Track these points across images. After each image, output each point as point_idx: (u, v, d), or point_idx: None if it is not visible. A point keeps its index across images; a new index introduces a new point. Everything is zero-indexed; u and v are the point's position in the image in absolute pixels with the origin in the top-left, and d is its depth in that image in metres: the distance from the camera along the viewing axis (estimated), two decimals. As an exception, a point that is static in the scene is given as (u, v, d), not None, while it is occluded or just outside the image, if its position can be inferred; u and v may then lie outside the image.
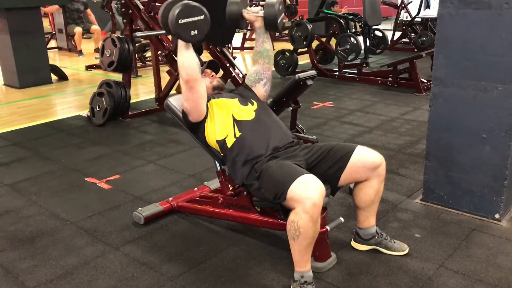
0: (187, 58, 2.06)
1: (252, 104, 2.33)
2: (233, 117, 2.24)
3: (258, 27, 2.42)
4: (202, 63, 2.75)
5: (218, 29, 3.89)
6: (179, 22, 1.89)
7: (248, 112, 2.27)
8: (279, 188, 1.93)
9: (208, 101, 2.28)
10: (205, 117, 2.26)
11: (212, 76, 2.48)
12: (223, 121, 2.24)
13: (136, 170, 3.45)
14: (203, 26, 1.94)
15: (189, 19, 1.90)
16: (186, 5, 1.91)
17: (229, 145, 2.20)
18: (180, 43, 2.06)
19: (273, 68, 2.52)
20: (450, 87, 2.53)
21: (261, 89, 2.46)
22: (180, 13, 1.89)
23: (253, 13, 2.38)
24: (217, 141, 2.23)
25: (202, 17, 1.92)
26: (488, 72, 2.39)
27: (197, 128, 2.30)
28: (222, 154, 2.26)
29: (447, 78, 2.54)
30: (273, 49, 9.00)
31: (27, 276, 2.20)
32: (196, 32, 1.93)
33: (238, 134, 2.19)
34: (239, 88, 2.48)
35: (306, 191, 1.84)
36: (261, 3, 2.41)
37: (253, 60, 2.50)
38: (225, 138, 2.21)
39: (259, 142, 2.18)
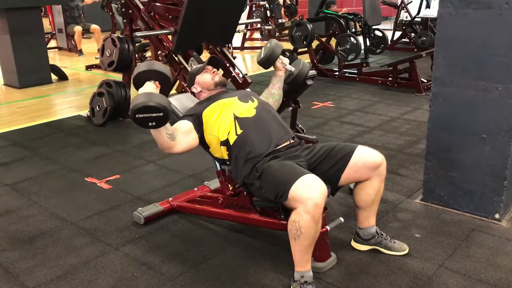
0: (155, 137, 2.08)
1: (253, 101, 2.33)
2: (234, 114, 2.23)
3: (280, 76, 2.63)
4: (202, 62, 2.75)
5: (218, 28, 3.90)
6: (136, 116, 1.95)
7: (249, 109, 2.27)
8: (281, 188, 1.93)
9: (200, 116, 2.28)
10: (203, 134, 2.27)
11: (213, 73, 2.48)
12: (223, 121, 2.23)
13: (136, 170, 3.45)
14: (162, 120, 1.98)
15: (146, 115, 1.95)
16: (144, 105, 1.93)
17: (231, 142, 2.20)
18: None
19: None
20: (450, 87, 2.53)
21: None
22: (137, 110, 1.93)
23: (283, 65, 2.61)
24: (221, 142, 2.23)
25: (160, 114, 1.96)
26: (488, 72, 2.39)
27: (202, 144, 2.32)
28: (227, 153, 2.25)
29: (447, 78, 2.54)
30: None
31: (27, 276, 2.20)
32: (154, 123, 1.98)
33: (239, 131, 2.19)
34: (239, 90, 2.49)
35: (308, 191, 1.84)
36: (289, 64, 2.61)
37: (263, 97, 2.61)
38: (228, 136, 2.21)
39: (260, 139, 2.18)
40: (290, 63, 2.67)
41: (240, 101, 2.31)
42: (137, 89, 2.09)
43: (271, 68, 2.68)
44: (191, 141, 2.23)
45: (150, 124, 1.98)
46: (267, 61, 2.59)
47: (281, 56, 2.62)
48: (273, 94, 2.61)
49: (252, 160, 2.14)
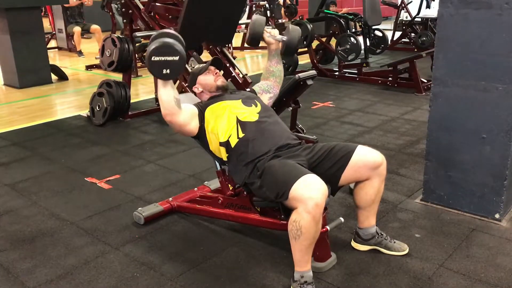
0: (163, 95, 2.08)
1: (256, 105, 2.33)
2: (237, 118, 2.23)
3: (274, 49, 2.56)
4: (202, 63, 2.75)
5: (218, 28, 3.90)
6: (152, 59, 1.90)
7: (252, 114, 2.27)
8: (281, 187, 1.93)
9: (204, 110, 2.29)
10: (204, 128, 2.28)
11: (216, 74, 2.47)
12: (225, 122, 2.23)
13: (136, 170, 3.45)
14: (176, 67, 1.94)
15: (162, 58, 1.91)
16: (163, 43, 1.90)
17: (232, 145, 2.20)
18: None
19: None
20: (450, 87, 2.53)
21: (266, 100, 2.54)
22: (155, 50, 1.89)
23: (273, 36, 2.52)
24: (221, 143, 2.23)
25: (176, 58, 1.92)
26: (488, 72, 2.39)
27: (199, 137, 2.32)
28: (227, 155, 2.25)
29: (447, 78, 2.54)
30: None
31: (27, 276, 2.20)
32: (168, 71, 1.94)
33: (241, 135, 2.19)
34: (242, 91, 2.49)
35: (309, 191, 1.84)
36: (280, 33, 2.56)
37: (264, 77, 2.61)
38: (229, 138, 2.21)
39: (262, 144, 2.17)
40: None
41: (244, 104, 2.31)
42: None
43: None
44: (193, 123, 2.24)
45: (164, 71, 1.92)
46: (253, 38, 2.50)
47: (268, 29, 2.54)
48: (272, 71, 2.58)
49: (253, 161, 2.14)
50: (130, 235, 2.53)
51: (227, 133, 2.21)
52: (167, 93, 2.06)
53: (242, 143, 2.18)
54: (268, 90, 2.58)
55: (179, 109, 2.14)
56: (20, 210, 2.86)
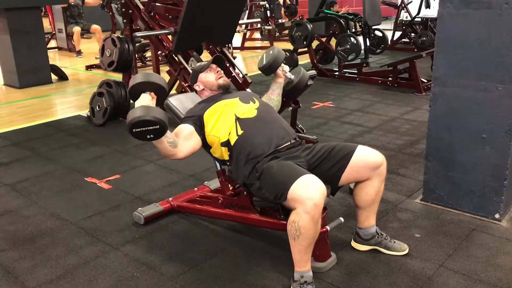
0: (158, 146, 2.09)
1: (254, 102, 2.33)
2: (235, 115, 2.23)
3: (280, 83, 2.63)
4: (201, 61, 2.74)
5: (218, 28, 3.90)
6: (134, 131, 1.95)
7: (250, 110, 2.27)
8: (280, 188, 1.93)
9: (201, 118, 2.27)
10: (204, 135, 2.27)
11: (217, 72, 2.47)
12: (224, 122, 2.23)
13: (136, 170, 3.45)
14: (159, 132, 1.98)
15: (143, 128, 1.95)
16: (140, 119, 1.93)
17: (232, 143, 2.20)
18: None
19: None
20: (450, 87, 2.53)
21: None
22: (133, 124, 1.93)
23: (284, 72, 2.61)
24: (222, 143, 2.23)
25: (157, 126, 1.96)
26: (488, 72, 2.39)
27: (205, 146, 2.32)
28: (228, 153, 2.25)
29: (447, 78, 2.54)
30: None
31: (27, 276, 2.20)
32: (151, 136, 1.98)
33: (240, 132, 2.19)
34: (239, 91, 2.49)
35: (307, 192, 1.84)
36: (289, 72, 2.63)
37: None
38: (228, 137, 2.21)
39: (261, 139, 2.17)
40: (290, 70, 2.67)
41: (242, 101, 2.31)
42: (134, 101, 2.09)
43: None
44: (193, 145, 2.23)
45: (148, 136, 1.98)
46: (269, 69, 2.58)
47: (283, 65, 2.62)
48: (272, 100, 2.61)
49: (253, 161, 2.14)
50: (130, 235, 2.53)
51: (226, 132, 2.21)
52: (160, 144, 2.07)
53: (242, 140, 2.18)
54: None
55: (177, 146, 2.13)
56: (20, 210, 2.86)
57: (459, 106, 2.53)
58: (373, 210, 2.26)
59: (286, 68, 2.64)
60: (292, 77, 2.66)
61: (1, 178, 3.36)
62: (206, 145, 2.31)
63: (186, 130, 2.24)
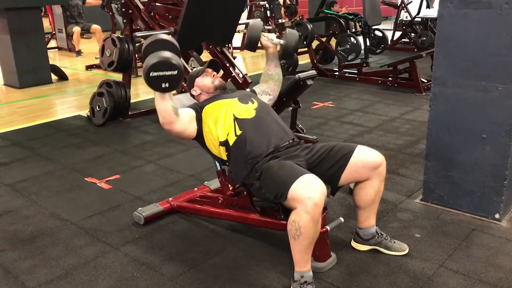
0: (161, 105, 2.08)
1: (253, 102, 2.34)
2: (234, 115, 2.23)
3: (272, 53, 2.58)
4: (202, 63, 2.74)
5: (218, 28, 3.89)
6: (150, 75, 1.90)
7: (248, 110, 2.27)
8: (280, 188, 1.93)
9: (201, 111, 2.29)
10: (201, 130, 2.28)
11: (213, 76, 2.48)
12: (222, 121, 2.24)
13: (136, 170, 3.45)
14: (175, 80, 1.94)
15: (161, 73, 1.90)
16: (161, 59, 1.89)
17: (230, 143, 2.20)
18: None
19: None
20: (450, 87, 2.53)
21: (265, 101, 2.53)
22: (152, 66, 1.89)
23: (270, 40, 2.52)
24: (221, 143, 2.23)
25: (175, 72, 1.92)
26: (488, 72, 2.39)
27: (198, 139, 2.32)
28: (226, 153, 2.25)
29: (447, 78, 2.54)
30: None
31: (27, 276, 2.20)
32: (167, 85, 1.94)
33: (238, 132, 2.19)
34: (239, 90, 2.50)
35: (308, 191, 1.84)
36: (279, 33, 2.56)
37: (263, 81, 2.63)
38: (227, 137, 2.21)
39: (260, 140, 2.18)
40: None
41: (240, 102, 2.31)
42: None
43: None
44: (191, 127, 2.24)
45: (163, 85, 1.93)
46: (251, 42, 2.50)
47: (266, 34, 2.55)
48: (271, 75, 2.59)
49: (252, 161, 2.14)
50: (130, 235, 2.53)
51: (225, 131, 2.22)
52: (165, 103, 2.06)
53: (240, 140, 2.18)
54: (268, 92, 2.60)
55: (177, 117, 2.14)
56: (20, 210, 2.86)
57: (459, 106, 2.53)
58: (373, 210, 2.26)
59: (272, 35, 2.56)
60: (281, 41, 2.55)
61: (1, 178, 3.36)
62: (203, 144, 2.31)
63: (189, 112, 2.27)
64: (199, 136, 2.30)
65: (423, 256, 2.27)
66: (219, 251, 2.35)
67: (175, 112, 2.12)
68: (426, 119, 2.73)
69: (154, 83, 1.93)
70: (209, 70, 2.50)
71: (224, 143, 2.22)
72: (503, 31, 2.30)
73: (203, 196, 2.72)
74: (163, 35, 2.09)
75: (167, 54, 1.93)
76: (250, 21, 2.57)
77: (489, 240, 2.39)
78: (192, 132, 2.26)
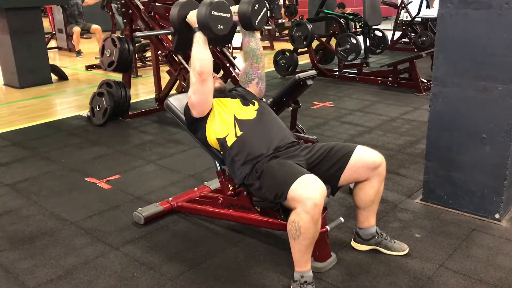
0: (204, 51, 2.12)
1: (254, 104, 2.33)
2: (235, 116, 2.23)
3: (241, 27, 2.41)
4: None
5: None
6: (212, 13, 2.00)
7: (249, 112, 2.27)
8: (280, 188, 1.93)
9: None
10: (207, 115, 2.26)
11: (214, 77, 2.48)
12: (224, 119, 2.24)
13: (136, 170, 3.45)
14: (228, 23, 2.06)
15: (219, 14, 2.02)
16: (220, 1, 2.03)
17: (229, 144, 2.20)
18: (199, 37, 2.13)
19: (264, 66, 2.44)
20: (450, 87, 2.53)
21: (255, 88, 2.47)
22: (214, 5, 2.00)
23: (234, 14, 2.26)
24: (218, 139, 2.23)
25: (228, 15, 2.05)
26: (488, 72, 2.39)
27: (197, 127, 2.30)
28: (221, 153, 2.26)
29: (447, 78, 2.54)
30: (273, 48, 9.00)
31: (27, 276, 2.20)
32: (222, 27, 2.04)
33: (239, 133, 2.19)
34: (238, 89, 2.49)
35: (307, 191, 1.84)
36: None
37: (243, 60, 2.52)
38: (226, 136, 2.21)
39: (260, 142, 2.17)
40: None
41: (242, 103, 2.31)
42: (179, 24, 2.17)
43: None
44: (211, 97, 2.23)
45: (219, 26, 2.02)
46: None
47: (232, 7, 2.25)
48: (246, 52, 2.42)
49: (252, 161, 2.14)
50: (130, 235, 2.53)
51: (224, 130, 2.22)
52: (207, 52, 2.11)
53: (240, 141, 2.18)
54: (250, 78, 2.44)
55: (212, 72, 2.18)
56: (20, 210, 2.86)
57: (459, 106, 2.53)
58: (373, 210, 2.26)
59: (235, 8, 2.25)
60: (234, 8, 2.24)
61: (1, 178, 3.36)
62: (205, 141, 2.30)
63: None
64: (202, 122, 2.26)
65: (423, 256, 2.27)
66: (219, 251, 2.35)
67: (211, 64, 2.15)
68: (426, 119, 2.73)
69: (213, 23, 2.01)
70: None
71: (221, 141, 2.22)
72: (503, 31, 2.30)
73: (203, 196, 2.72)
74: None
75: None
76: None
77: (489, 240, 2.39)
78: (210, 104, 2.24)
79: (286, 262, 2.18)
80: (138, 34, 3.77)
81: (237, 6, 2.26)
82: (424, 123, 3.21)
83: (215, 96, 2.33)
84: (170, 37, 3.98)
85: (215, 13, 2.01)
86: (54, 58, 8.63)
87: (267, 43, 9.75)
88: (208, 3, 2.02)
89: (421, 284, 2.07)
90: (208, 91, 2.19)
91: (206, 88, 2.17)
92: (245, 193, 2.31)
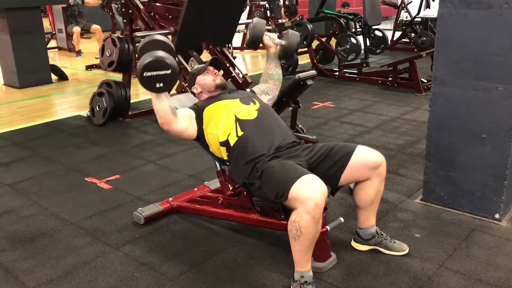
0: (158, 106, 2.07)
1: (254, 103, 2.33)
2: (236, 116, 2.23)
3: (273, 53, 2.61)
4: (202, 63, 2.74)
5: (218, 29, 3.89)
6: (144, 74, 1.90)
7: (250, 112, 2.27)
8: (281, 188, 1.93)
9: (201, 111, 2.29)
10: (202, 130, 2.28)
11: (215, 74, 2.48)
12: (224, 122, 2.23)
13: (136, 170, 3.45)
14: (169, 80, 1.94)
15: (154, 73, 1.90)
16: (155, 58, 1.89)
17: (231, 144, 2.20)
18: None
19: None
20: (450, 87, 2.53)
21: (265, 101, 2.53)
22: (146, 66, 1.89)
23: (272, 40, 2.57)
24: (221, 143, 2.23)
25: (169, 71, 1.92)
26: (488, 72, 2.39)
27: (199, 139, 2.32)
28: (227, 153, 2.25)
29: (447, 78, 2.54)
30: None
31: (27, 276, 2.20)
32: (161, 85, 1.94)
33: (240, 133, 2.19)
34: (240, 91, 2.50)
35: (308, 191, 1.84)
36: (280, 33, 2.59)
37: (263, 80, 2.64)
38: (228, 137, 2.21)
39: (261, 141, 2.17)
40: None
41: (242, 102, 2.31)
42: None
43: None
44: (190, 127, 2.25)
45: (158, 85, 1.92)
46: (253, 40, 2.54)
47: (268, 33, 2.58)
48: (271, 74, 2.61)
49: (253, 161, 2.14)
50: (130, 235, 2.53)
51: (226, 132, 2.21)
52: (162, 104, 2.06)
53: (241, 141, 2.18)
54: (267, 92, 2.59)
55: (175, 117, 2.15)
56: (20, 210, 2.86)
57: (459, 106, 2.53)
58: (373, 210, 2.26)
59: (273, 35, 2.60)
60: (282, 42, 2.58)
61: (1, 178, 3.36)
62: (205, 144, 2.31)
63: (187, 112, 2.28)
64: (200, 137, 2.30)
65: (423, 256, 2.27)
66: (219, 251, 2.35)
67: (173, 112, 2.12)
68: (426, 119, 2.73)
69: (148, 83, 1.93)
70: (211, 68, 2.48)
71: (225, 143, 2.22)
72: (503, 31, 2.30)
73: (203, 196, 2.72)
74: (158, 36, 2.10)
75: (160, 53, 1.93)
76: (254, 19, 2.59)
77: (489, 240, 2.39)
78: (192, 133, 2.27)
79: (286, 262, 2.18)
80: (138, 34, 3.78)
81: (276, 36, 2.58)
82: (424, 123, 3.21)
83: (207, 103, 2.33)
84: (170, 37, 3.98)
85: (148, 74, 1.89)
86: (54, 58, 8.62)
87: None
88: (140, 64, 1.90)
89: (421, 284, 2.07)
90: (178, 134, 2.22)
91: (174, 133, 2.20)
92: (245, 193, 2.31)
